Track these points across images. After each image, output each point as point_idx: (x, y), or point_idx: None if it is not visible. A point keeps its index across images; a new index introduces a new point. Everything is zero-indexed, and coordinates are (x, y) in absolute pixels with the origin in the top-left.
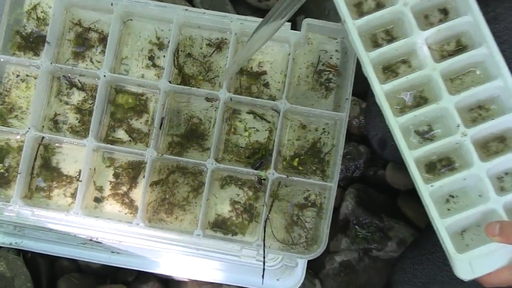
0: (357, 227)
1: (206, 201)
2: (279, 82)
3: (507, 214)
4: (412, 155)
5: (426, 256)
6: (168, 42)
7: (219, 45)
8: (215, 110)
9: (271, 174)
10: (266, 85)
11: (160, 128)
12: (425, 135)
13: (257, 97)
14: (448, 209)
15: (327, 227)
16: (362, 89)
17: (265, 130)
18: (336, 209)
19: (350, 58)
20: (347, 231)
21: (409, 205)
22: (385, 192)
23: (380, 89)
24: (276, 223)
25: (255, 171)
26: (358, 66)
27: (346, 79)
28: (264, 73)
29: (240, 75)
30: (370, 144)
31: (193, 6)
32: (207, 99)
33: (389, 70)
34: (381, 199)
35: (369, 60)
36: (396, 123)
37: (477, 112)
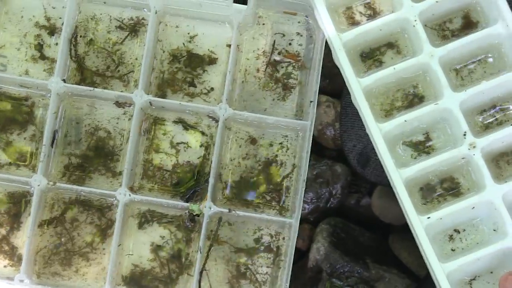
0: (332, 278)
1: (118, 247)
2: (217, 76)
3: None
4: (401, 175)
5: None
6: (62, 24)
7: (134, 28)
8: (129, 120)
9: (208, 208)
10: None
11: (51, 146)
12: (419, 147)
13: (190, 100)
14: (453, 249)
15: (287, 279)
16: (340, 86)
17: (200, 147)
18: (304, 254)
19: (317, 43)
20: (318, 284)
21: (404, 246)
22: (371, 229)
23: (356, 84)
24: (217, 275)
25: (186, 204)
26: (330, 54)
27: (312, 73)
28: (215, 62)
29: (172, 61)
30: (348, 160)
31: None
32: (118, 104)
33: (370, 58)
34: (366, 238)
35: (341, 43)
36: (378, 131)
37: (491, 115)
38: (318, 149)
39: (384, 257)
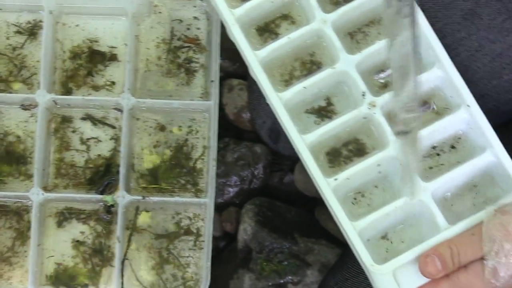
0: (262, 256)
1: (37, 247)
2: (120, 70)
3: (439, 205)
4: (304, 141)
5: (351, 280)
6: None
7: (32, 31)
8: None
9: (121, 198)
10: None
11: None
12: (321, 113)
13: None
14: (362, 209)
15: (208, 258)
16: None
17: (110, 139)
18: (234, 237)
19: (214, 24)
20: (249, 264)
21: (330, 217)
22: (298, 204)
23: (252, 56)
24: (140, 263)
25: (101, 197)
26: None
27: (212, 54)
28: (116, 56)
29: (73, 59)
30: (261, 138)
31: None
32: (24, 107)
33: (266, 31)
34: (292, 214)
35: (234, 19)
36: (278, 100)
37: (389, 74)
38: (237, 133)
39: (312, 230)
